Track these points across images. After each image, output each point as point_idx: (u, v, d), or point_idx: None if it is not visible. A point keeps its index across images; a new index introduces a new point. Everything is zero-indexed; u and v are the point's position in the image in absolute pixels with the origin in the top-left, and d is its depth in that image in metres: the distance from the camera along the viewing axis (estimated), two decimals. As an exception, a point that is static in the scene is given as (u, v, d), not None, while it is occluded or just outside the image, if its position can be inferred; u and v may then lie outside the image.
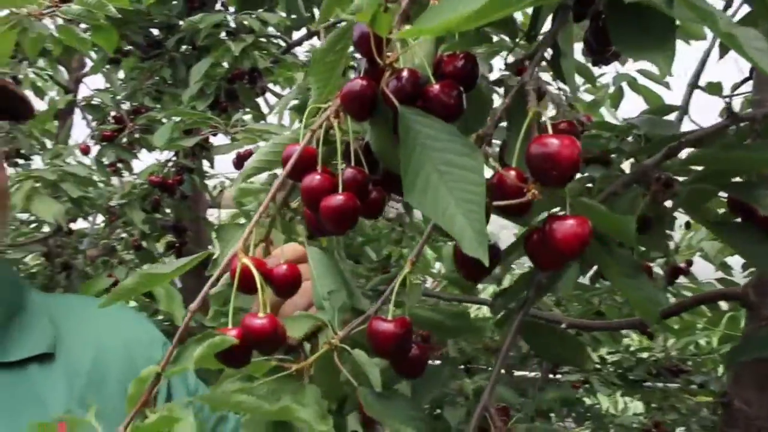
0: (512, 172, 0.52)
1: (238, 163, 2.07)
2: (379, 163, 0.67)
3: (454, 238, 0.53)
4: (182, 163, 2.25)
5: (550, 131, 0.50)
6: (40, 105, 3.91)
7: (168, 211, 2.62)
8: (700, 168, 0.83)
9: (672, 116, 1.31)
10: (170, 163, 2.33)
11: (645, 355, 3.10)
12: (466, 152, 0.52)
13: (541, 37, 0.66)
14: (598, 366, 3.10)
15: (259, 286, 0.58)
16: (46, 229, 2.82)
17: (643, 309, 0.63)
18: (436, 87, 0.60)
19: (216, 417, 1.11)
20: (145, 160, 2.57)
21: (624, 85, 2.35)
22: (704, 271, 2.54)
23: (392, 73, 0.60)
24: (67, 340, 1.09)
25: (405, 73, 0.60)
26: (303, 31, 2.47)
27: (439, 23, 0.47)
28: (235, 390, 0.57)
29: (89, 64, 3.29)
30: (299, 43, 2.40)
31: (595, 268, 0.88)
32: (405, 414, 0.60)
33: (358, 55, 0.66)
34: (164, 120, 2.26)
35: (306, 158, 0.63)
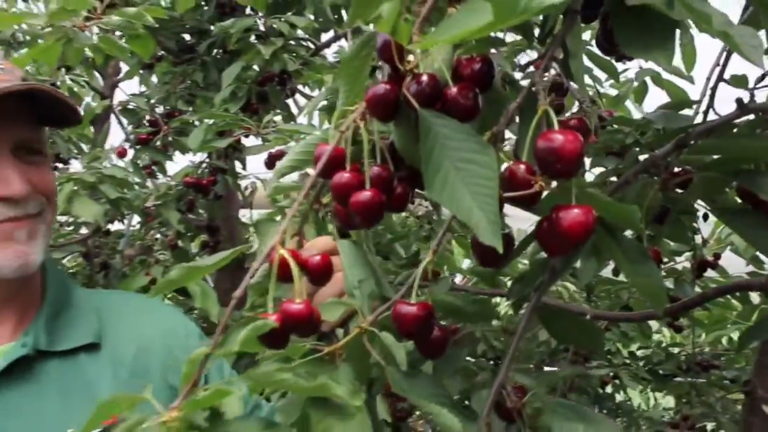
0: (522, 166, 0.57)
1: (270, 162, 2.13)
2: (403, 160, 0.72)
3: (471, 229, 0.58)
4: (215, 165, 2.33)
5: (557, 127, 0.54)
6: (77, 110, 3.98)
7: (201, 211, 2.70)
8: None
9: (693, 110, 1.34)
10: (204, 165, 2.40)
11: (676, 350, 3.10)
12: (479, 150, 0.57)
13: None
14: (627, 361, 3.11)
15: (295, 274, 0.63)
16: (83, 230, 2.92)
17: (651, 295, 0.67)
18: (454, 90, 0.64)
19: (252, 404, 1.18)
20: (179, 162, 2.65)
21: (648, 79, 2.37)
22: (737, 266, 2.53)
23: (413, 78, 0.65)
24: (111, 332, 1.17)
25: (425, 78, 0.65)
26: (331, 33, 2.53)
27: (454, 35, 0.52)
28: (275, 369, 0.62)
29: (124, 69, 3.39)
30: (327, 45, 2.46)
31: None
32: (428, 391, 0.65)
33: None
34: (197, 123, 2.33)
35: (336, 157, 0.68)
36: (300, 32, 2.36)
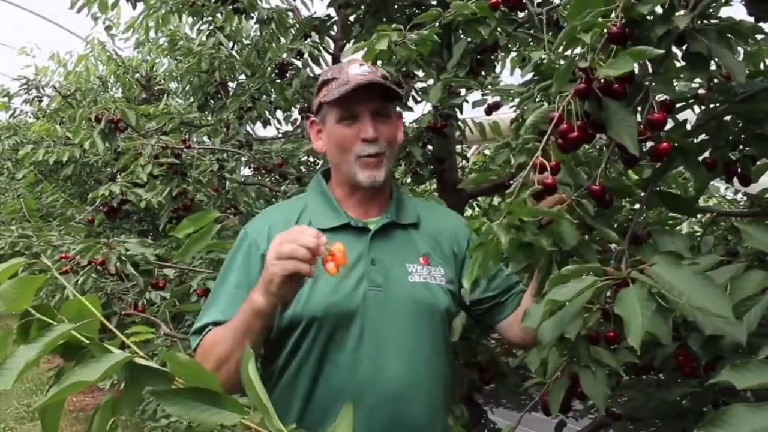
0: (642, 126, 1.38)
1: (489, 110, 2.98)
2: (590, 117, 1.53)
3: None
4: (449, 113, 3.19)
5: (656, 109, 1.35)
6: (317, 71, 5.09)
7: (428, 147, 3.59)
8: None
9: None
10: (437, 112, 3.28)
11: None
12: (626, 113, 1.38)
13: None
14: None
15: (548, 168, 1.47)
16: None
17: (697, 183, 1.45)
18: (616, 86, 1.45)
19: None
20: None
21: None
22: None
23: (597, 81, 1.46)
24: (423, 219, 2.04)
25: (602, 80, 1.45)
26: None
27: (616, 68, 1.34)
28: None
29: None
30: (525, 22, 3.19)
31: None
32: (604, 223, 1.49)
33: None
34: (430, 82, 3.21)
35: (560, 118, 1.51)
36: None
